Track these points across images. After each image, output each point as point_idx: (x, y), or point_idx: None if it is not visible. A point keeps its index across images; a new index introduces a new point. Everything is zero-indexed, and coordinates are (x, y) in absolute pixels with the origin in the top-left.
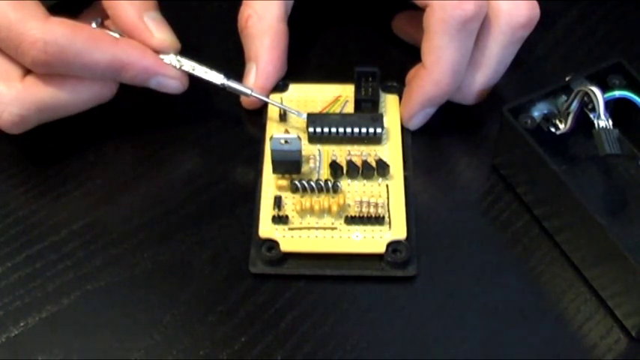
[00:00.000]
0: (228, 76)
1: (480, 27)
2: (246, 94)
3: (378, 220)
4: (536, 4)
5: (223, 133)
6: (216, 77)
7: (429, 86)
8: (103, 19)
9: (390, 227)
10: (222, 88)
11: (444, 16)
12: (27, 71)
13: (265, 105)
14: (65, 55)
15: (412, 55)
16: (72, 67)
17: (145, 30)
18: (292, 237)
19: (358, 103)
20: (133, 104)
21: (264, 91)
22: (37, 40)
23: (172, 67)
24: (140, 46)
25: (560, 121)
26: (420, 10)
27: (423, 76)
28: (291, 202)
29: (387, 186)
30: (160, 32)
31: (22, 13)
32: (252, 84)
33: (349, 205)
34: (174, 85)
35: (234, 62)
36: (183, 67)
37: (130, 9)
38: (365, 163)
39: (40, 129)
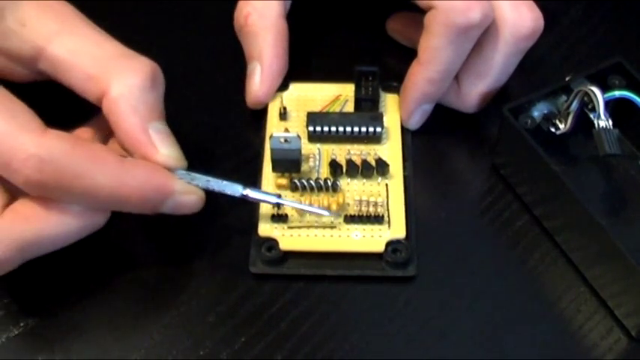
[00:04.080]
0: (245, 185)
1: (485, 36)
2: (270, 203)
3: (377, 219)
4: (540, 16)
5: (223, 132)
6: (233, 189)
7: (422, 83)
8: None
9: (389, 226)
10: (221, 78)
11: (446, 21)
12: (6, 203)
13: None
14: (63, 176)
15: (412, 54)
16: (70, 191)
17: (148, 144)
18: (292, 236)
19: (358, 102)
20: None
21: (270, 89)
22: (31, 155)
23: (187, 183)
24: (149, 165)
25: (560, 121)
26: (417, 12)
27: (416, 73)
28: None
29: (386, 185)
30: (165, 147)
31: (13, 124)
32: (258, 84)
33: (348, 204)
34: (193, 200)
35: (233, 62)
36: (195, 182)
37: (133, 118)
38: (364, 162)
39: None
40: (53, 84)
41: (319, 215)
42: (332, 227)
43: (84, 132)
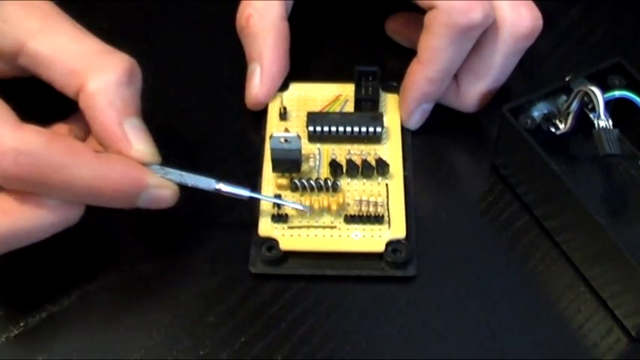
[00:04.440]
0: (219, 179)
1: (484, 36)
2: (242, 197)
3: (377, 219)
4: (539, 16)
5: (223, 132)
6: (207, 183)
7: (422, 82)
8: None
9: (389, 226)
10: (221, 78)
11: (448, 21)
12: None
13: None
14: (40, 170)
15: (412, 54)
16: (46, 184)
17: (123, 138)
18: (292, 235)
19: (358, 102)
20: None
21: (270, 91)
22: (8, 149)
23: (161, 177)
24: (124, 159)
25: (560, 121)
26: (416, 11)
27: (416, 72)
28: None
29: (386, 185)
30: (139, 142)
31: None
32: (257, 85)
33: (349, 204)
34: (167, 194)
35: (233, 62)
36: (168, 176)
37: (109, 112)
38: (364, 162)
39: None
40: (30, 81)
41: (320, 215)
42: (332, 227)
43: (61, 128)
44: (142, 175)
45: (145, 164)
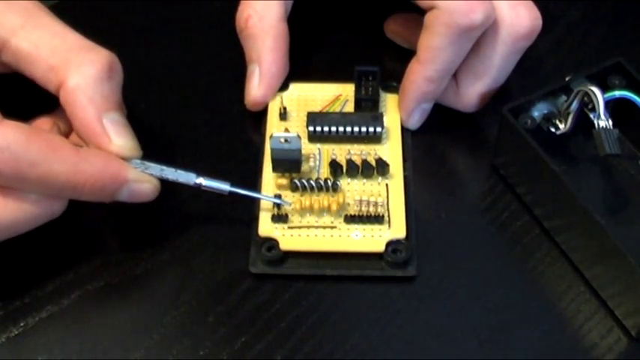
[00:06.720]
0: (199, 174)
1: (483, 36)
2: (223, 192)
3: (377, 219)
4: (538, 16)
5: (223, 132)
6: (187, 177)
7: (422, 81)
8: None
9: (389, 226)
10: (221, 78)
11: (449, 21)
12: None
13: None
14: (18, 165)
15: (413, 54)
16: (26, 179)
17: (102, 134)
18: (292, 236)
19: (358, 102)
20: (137, 102)
21: (268, 92)
22: None
23: (141, 172)
24: (103, 154)
25: (560, 121)
26: (416, 12)
27: (415, 72)
28: (291, 201)
29: (386, 185)
30: (119, 137)
31: None
32: (256, 86)
33: (349, 204)
34: (148, 188)
35: (233, 62)
36: (149, 171)
37: (88, 108)
38: (365, 162)
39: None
40: (16, 74)
41: (320, 215)
42: (332, 227)
43: (45, 122)
44: (121, 170)
45: (126, 159)
